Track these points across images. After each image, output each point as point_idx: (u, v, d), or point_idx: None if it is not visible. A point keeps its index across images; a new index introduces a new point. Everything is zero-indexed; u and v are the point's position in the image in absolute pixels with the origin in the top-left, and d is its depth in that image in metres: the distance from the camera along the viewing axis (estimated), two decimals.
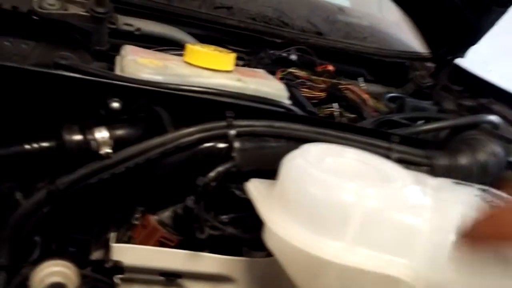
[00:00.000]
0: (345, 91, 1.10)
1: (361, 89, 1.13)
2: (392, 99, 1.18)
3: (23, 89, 0.57)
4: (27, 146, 0.56)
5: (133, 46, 0.80)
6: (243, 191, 0.65)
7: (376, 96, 1.14)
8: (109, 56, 0.92)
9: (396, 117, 0.90)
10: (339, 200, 0.50)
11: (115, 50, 0.90)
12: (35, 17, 0.84)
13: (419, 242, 0.48)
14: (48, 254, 0.66)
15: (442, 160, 0.71)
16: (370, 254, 0.48)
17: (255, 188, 0.62)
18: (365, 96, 1.10)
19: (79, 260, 0.66)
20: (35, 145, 0.56)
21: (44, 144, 0.56)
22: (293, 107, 0.74)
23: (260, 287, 0.68)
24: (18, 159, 0.56)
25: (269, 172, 0.66)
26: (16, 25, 0.87)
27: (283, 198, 0.56)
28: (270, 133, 0.64)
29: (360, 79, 1.18)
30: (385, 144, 0.68)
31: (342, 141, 0.65)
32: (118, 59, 0.77)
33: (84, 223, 0.69)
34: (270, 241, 0.58)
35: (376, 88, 1.26)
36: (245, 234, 0.65)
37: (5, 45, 0.90)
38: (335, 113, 1.04)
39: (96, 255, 0.70)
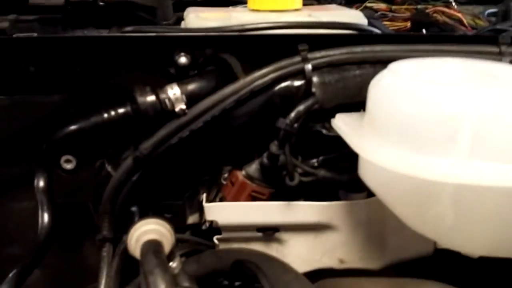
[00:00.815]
0: (434, 15, 0.98)
1: (453, 8, 0.99)
2: (492, 15, 1.03)
3: (93, 59, 0.58)
4: (105, 115, 0.56)
5: (196, 7, 0.77)
6: (329, 129, 0.59)
7: (472, 13, 0.99)
8: None
9: (501, 26, 0.76)
10: (444, 110, 0.41)
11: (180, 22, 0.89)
12: (101, 3, 0.86)
13: None
14: None
15: None
16: (493, 166, 0.40)
17: (343, 122, 0.56)
18: (459, 14, 0.96)
19: (176, 225, 0.67)
20: (113, 112, 0.56)
21: (121, 110, 0.56)
22: (373, 29, 0.65)
23: (364, 231, 0.62)
24: (100, 129, 0.57)
25: (356, 105, 0.60)
26: (86, 16, 0.90)
27: (376, 124, 0.49)
28: (351, 60, 0.57)
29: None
30: (494, 49, 0.57)
31: (439, 54, 0.55)
32: (182, 23, 0.75)
33: (175, 189, 0.68)
34: (368, 175, 0.51)
35: (471, 8, 1.10)
36: (339, 176, 0.60)
37: None
38: None
39: (191, 219, 0.70)
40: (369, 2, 1.02)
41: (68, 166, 0.67)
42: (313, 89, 0.57)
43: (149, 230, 0.47)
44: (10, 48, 0.56)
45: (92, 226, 0.70)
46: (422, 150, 0.43)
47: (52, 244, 0.60)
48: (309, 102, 0.56)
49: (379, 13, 1.01)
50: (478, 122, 0.40)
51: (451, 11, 0.98)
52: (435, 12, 0.98)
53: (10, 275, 0.57)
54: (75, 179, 0.68)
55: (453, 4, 1.02)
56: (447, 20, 0.97)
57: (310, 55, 0.57)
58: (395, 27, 0.99)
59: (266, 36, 0.58)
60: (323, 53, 0.57)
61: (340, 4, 1.01)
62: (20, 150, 0.64)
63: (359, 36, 0.60)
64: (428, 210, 0.44)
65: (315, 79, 0.57)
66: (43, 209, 0.59)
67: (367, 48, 0.58)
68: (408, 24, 0.99)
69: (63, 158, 0.66)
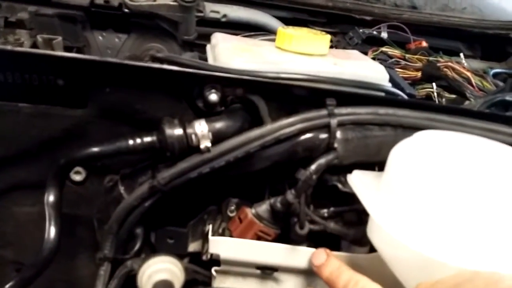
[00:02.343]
0: (445, 69, 1.01)
1: (462, 66, 1.02)
2: (497, 76, 1.07)
3: (122, 82, 0.58)
4: (130, 142, 0.56)
5: (223, 34, 0.77)
6: (344, 184, 0.61)
7: (480, 74, 1.03)
8: (196, 45, 0.91)
9: (510, 97, 0.79)
10: (463, 195, 0.44)
11: (202, 39, 0.89)
12: (126, 10, 0.85)
13: None
14: (148, 246, 0.67)
15: None
16: (503, 258, 0.42)
17: (359, 180, 0.57)
18: (468, 73, 0.99)
19: (177, 252, 0.67)
20: (138, 140, 0.56)
21: (146, 139, 0.56)
22: (397, 91, 0.67)
23: None
24: (122, 154, 0.57)
25: (372, 163, 0.61)
26: (108, 19, 0.89)
27: (393, 190, 0.51)
28: (374, 121, 0.59)
29: (461, 56, 1.08)
30: (509, 130, 0.59)
31: (458, 128, 0.58)
32: (209, 48, 0.76)
33: (180, 215, 0.69)
34: (376, 237, 0.53)
35: (476, 63, 1.15)
36: (347, 230, 0.61)
37: (99, 39, 0.93)
38: (433, 93, 0.96)
39: (192, 246, 0.70)
40: (385, 47, 1.04)
41: (77, 178, 0.67)
42: (336, 144, 0.58)
43: (162, 269, 0.48)
44: (42, 61, 0.55)
45: (90, 239, 0.70)
46: (433, 226, 0.45)
47: (54, 258, 0.59)
48: (330, 156, 0.58)
49: (393, 59, 1.03)
50: (496, 212, 0.42)
51: (461, 69, 1.01)
52: (446, 67, 1.01)
53: (7, 286, 0.56)
54: (81, 190, 0.68)
55: (464, 62, 1.06)
56: (456, 77, 1.00)
57: (336, 111, 0.58)
58: (406, 75, 1.02)
59: (298, 86, 0.59)
60: (349, 110, 0.59)
61: (356, 44, 1.03)
62: (31, 157, 0.63)
63: (385, 99, 0.62)
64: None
65: (338, 134, 0.58)
66: (50, 223, 0.58)
67: (390, 111, 0.60)
68: (419, 74, 1.02)
69: (73, 169, 0.66)
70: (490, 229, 0.43)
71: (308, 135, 0.58)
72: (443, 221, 0.45)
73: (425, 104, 0.63)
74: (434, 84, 0.98)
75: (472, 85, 0.97)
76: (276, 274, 0.66)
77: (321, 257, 0.43)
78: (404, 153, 0.52)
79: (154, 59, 0.61)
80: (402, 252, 0.47)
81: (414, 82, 1.02)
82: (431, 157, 0.49)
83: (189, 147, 0.56)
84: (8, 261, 0.69)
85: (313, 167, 0.57)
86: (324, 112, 0.58)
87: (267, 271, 0.65)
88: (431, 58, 1.04)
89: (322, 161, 0.57)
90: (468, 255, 0.43)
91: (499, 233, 0.43)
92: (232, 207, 0.67)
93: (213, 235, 0.65)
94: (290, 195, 0.57)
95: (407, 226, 0.48)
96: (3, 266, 0.69)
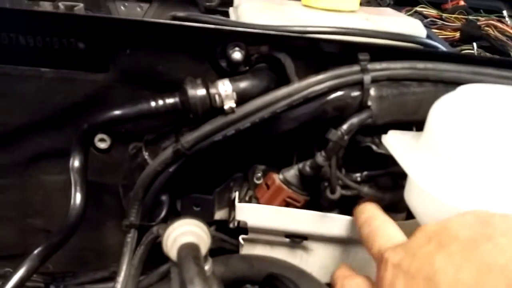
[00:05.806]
0: (486, 28, 0.94)
1: (506, 24, 0.95)
2: None
3: (144, 42, 0.55)
4: (153, 104, 0.54)
5: None
6: (378, 145, 0.57)
7: None
8: (219, 12, 0.88)
9: None
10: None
11: (225, 5, 0.86)
12: None
13: None
14: (174, 214, 0.66)
15: None
16: None
17: (395, 140, 0.53)
18: None
19: (203, 219, 0.65)
20: (160, 102, 0.54)
21: (169, 101, 0.54)
22: (437, 44, 0.62)
23: None
24: (144, 116, 0.55)
25: (409, 123, 0.57)
26: None
27: (435, 148, 0.47)
28: (412, 76, 0.54)
29: (503, 13, 1.00)
30: None
31: (506, 82, 0.53)
32: (231, 10, 0.72)
33: (206, 183, 0.67)
34: (414, 200, 0.49)
35: None
36: (382, 194, 0.58)
37: (121, 9, 0.91)
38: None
39: (219, 214, 0.69)
40: (419, 6, 0.98)
41: (102, 145, 0.65)
42: (369, 102, 0.54)
43: (188, 232, 0.46)
44: (62, 23, 0.53)
45: (117, 207, 0.69)
46: (481, 185, 0.41)
47: (80, 224, 0.59)
48: (363, 115, 0.54)
49: (428, 19, 0.97)
50: None
51: (504, 27, 0.94)
52: (487, 25, 0.94)
53: (36, 251, 0.56)
54: (106, 159, 0.67)
55: (507, 19, 0.99)
56: (499, 35, 0.93)
57: (370, 66, 0.54)
58: (444, 36, 0.96)
59: (327, 41, 0.55)
60: (383, 65, 0.54)
61: (388, 5, 0.97)
62: (56, 124, 0.62)
63: (424, 52, 0.57)
64: None
65: (372, 92, 0.54)
66: (76, 189, 0.57)
67: (430, 65, 0.55)
68: (457, 34, 0.96)
69: (98, 136, 0.65)
70: None
71: (339, 93, 0.54)
72: (490, 179, 0.41)
73: (469, 57, 0.57)
74: (474, 44, 0.91)
75: None
76: (305, 242, 0.63)
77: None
78: (447, 108, 0.48)
79: (175, 18, 0.58)
80: (444, 213, 0.44)
81: (453, 43, 0.95)
82: (476, 111, 0.45)
83: (212, 108, 0.53)
84: (38, 229, 0.70)
85: (344, 126, 0.53)
86: (356, 67, 0.54)
87: (296, 240, 0.63)
88: (470, 17, 0.97)
89: (354, 120, 0.54)
90: None
91: None
92: (259, 174, 0.65)
93: (239, 202, 0.63)
94: (320, 157, 0.54)
95: (450, 185, 0.44)
96: (34, 235, 0.70)
